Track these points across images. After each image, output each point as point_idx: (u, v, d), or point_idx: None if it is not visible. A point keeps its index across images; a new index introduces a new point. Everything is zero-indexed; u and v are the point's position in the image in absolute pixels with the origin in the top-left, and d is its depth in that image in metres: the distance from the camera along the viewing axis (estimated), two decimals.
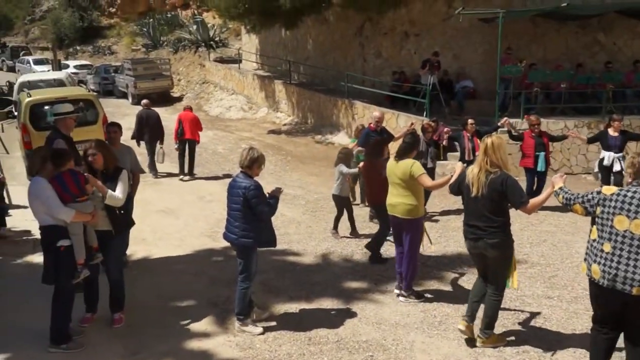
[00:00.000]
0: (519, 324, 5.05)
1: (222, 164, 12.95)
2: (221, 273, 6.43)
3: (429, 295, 5.64)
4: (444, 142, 8.86)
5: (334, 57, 17.56)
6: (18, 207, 9.21)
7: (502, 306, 4.70)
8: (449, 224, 8.16)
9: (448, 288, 5.90)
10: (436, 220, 8.35)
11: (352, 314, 5.28)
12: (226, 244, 7.32)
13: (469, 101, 13.87)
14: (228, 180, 10.93)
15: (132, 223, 5.41)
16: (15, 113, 14.13)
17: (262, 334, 4.87)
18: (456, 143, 8.85)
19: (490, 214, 4.36)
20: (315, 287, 5.94)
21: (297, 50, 19.59)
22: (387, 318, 5.18)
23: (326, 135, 15.44)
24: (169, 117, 19.14)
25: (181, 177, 11.60)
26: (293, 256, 6.95)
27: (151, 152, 11.69)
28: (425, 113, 12.41)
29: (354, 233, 7.63)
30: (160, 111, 20.95)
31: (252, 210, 4.72)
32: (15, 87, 16.21)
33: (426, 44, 15.07)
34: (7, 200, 9.02)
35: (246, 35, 23.04)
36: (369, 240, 6.88)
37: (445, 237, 7.56)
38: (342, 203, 7.67)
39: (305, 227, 8.19)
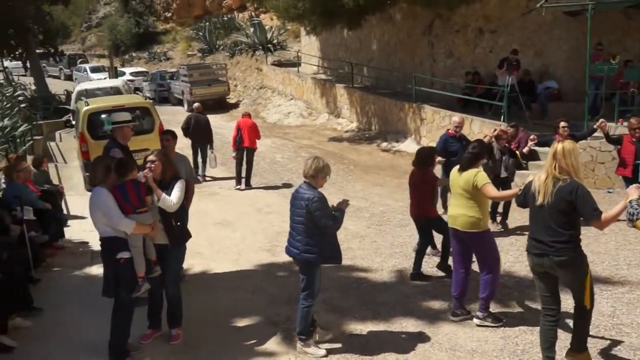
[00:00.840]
0: (615, 356, 4.81)
1: (280, 173, 13.16)
2: (281, 290, 6.52)
3: (504, 319, 5.47)
4: (525, 150, 8.61)
5: (400, 57, 17.51)
6: (76, 217, 9.73)
7: (594, 334, 4.51)
8: None
9: (531, 313, 5.70)
10: (518, 238, 8.13)
11: (424, 338, 5.21)
12: (286, 259, 7.44)
13: (553, 104, 13.42)
14: (287, 191, 11.28)
15: (188, 236, 5.59)
16: (73, 122, 14.99)
17: (326, 356, 4.89)
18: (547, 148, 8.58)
19: (557, 227, 4.20)
20: (382, 307, 5.91)
21: (360, 52, 19.67)
22: (462, 344, 5.07)
23: (392, 143, 15.39)
24: (225, 125, 19.71)
25: (238, 186, 11.93)
26: (358, 273, 6.95)
27: (196, 156, 12.46)
28: (502, 117, 12.14)
29: (433, 246, 7.37)
30: (216, 118, 21.69)
31: (315, 224, 4.77)
32: (73, 96, 17.17)
33: (503, 41, 14.74)
34: (65, 211, 9.51)
35: (306, 37, 23.35)
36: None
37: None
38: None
39: (370, 241, 8.18)
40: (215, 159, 12.38)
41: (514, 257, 7.21)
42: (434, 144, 9.60)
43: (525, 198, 4.49)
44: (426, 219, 6.55)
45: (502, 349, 4.95)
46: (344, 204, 4.96)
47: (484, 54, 15.19)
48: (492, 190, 5.26)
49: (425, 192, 6.48)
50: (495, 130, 8.68)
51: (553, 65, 14.32)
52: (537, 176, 4.38)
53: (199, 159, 12.76)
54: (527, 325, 5.32)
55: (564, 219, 4.17)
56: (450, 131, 8.53)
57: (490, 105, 13.17)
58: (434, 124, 14.08)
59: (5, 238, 6.35)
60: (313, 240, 4.81)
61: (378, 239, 8.31)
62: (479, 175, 5.22)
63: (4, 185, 8.15)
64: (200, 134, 12.56)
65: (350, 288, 6.49)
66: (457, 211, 5.40)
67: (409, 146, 14.56)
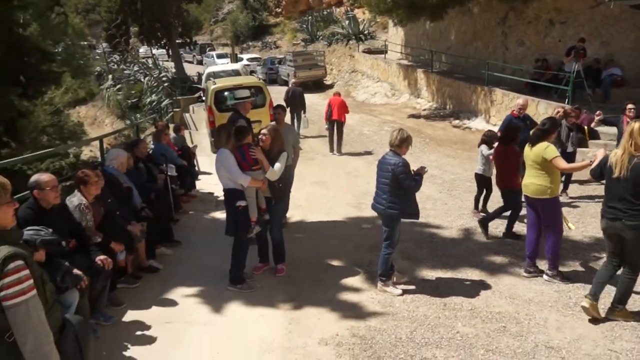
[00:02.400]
0: None
1: (367, 144, 13.08)
2: (365, 239, 6.56)
3: (554, 280, 5.18)
4: (592, 125, 8.03)
5: (475, 46, 16.64)
6: (204, 173, 10.25)
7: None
8: (588, 209, 7.41)
9: (584, 272, 5.40)
10: (575, 206, 7.64)
11: (486, 287, 5.08)
12: (370, 214, 7.47)
13: (616, 89, 12.29)
14: (371, 158, 11.23)
15: (288, 192, 5.70)
16: (203, 98, 15.65)
17: (401, 295, 4.91)
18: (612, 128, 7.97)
19: (631, 197, 3.97)
20: (450, 259, 5.81)
21: (439, 41, 18.89)
22: (521, 294, 4.90)
23: (464, 121, 14.80)
24: (322, 102, 19.74)
25: (332, 153, 12.10)
26: (430, 229, 6.85)
27: (293, 120, 13.24)
28: (567, 100, 11.29)
29: (485, 212, 7.20)
30: (314, 96, 21.77)
31: (399, 185, 4.74)
32: (203, 77, 17.87)
33: (572, 31, 13.58)
34: (196, 168, 10.04)
35: (393, 28, 22.73)
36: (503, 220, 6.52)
37: (583, 222, 6.88)
38: (485, 183, 7.24)
39: (442, 204, 8.00)
40: (307, 121, 13.21)
41: (571, 221, 6.80)
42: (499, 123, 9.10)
43: (602, 171, 4.25)
44: (508, 190, 6.25)
45: (557, 301, 4.74)
46: (422, 169, 4.89)
47: (553, 43, 14.10)
48: (561, 163, 4.95)
49: (508, 166, 6.16)
50: (559, 110, 8.13)
51: (618, 54, 13.08)
52: (613, 152, 4.16)
53: (295, 122, 13.34)
54: (580, 283, 5.05)
55: (638, 191, 3.95)
56: (514, 112, 8.04)
57: (556, 90, 12.27)
58: (502, 105, 13.36)
59: (154, 184, 6.82)
60: (396, 198, 4.79)
61: (449, 201, 8.12)
62: (548, 149, 4.93)
63: (152, 146, 8.68)
64: (296, 102, 13.32)
65: (423, 241, 6.42)
66: (528, 180, 5.14)
67: (479, 124, 13.97)
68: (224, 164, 4.92)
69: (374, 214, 5.34)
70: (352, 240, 6.58)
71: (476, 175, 7.29)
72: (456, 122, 14.93)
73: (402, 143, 4.80)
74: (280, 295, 5.00)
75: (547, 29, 14.21)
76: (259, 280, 5.32)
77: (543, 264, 5.25)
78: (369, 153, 11.99)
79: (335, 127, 12.02)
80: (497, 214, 6.44)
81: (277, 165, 5.10)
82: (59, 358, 2.18)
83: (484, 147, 7.05)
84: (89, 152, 16.92)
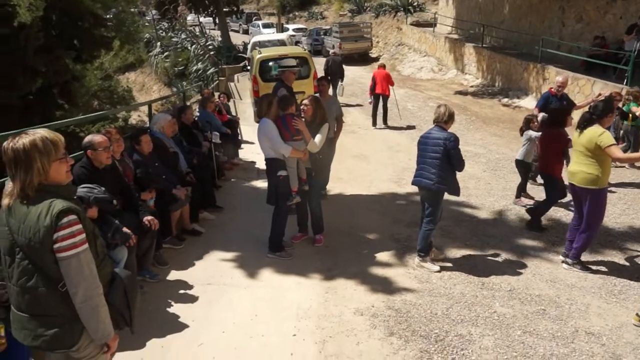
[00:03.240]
0: None
1: (410, 119, 12.85)
2: (403, 214, 6.52)
3: (600, 268, 5.01)
4: (638, 113, 7.56)
5: (530, 20, 15.88)
6: (247, 142, 10.37)
7: None
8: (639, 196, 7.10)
9: (630, 260, 5.20)
10: (626, 193, 7.31)
11: (526, 269, 4.98)
12: (409, 189, 7.40)
13: None
14: (414, 134, 11.05)
15: (328, 164, 5.69)
16: (248, 67, 15.72)
17: (439, 272, 4.88)
18: None
19: None
20: (490, 239, 5.70)
21: (492, 14, 18.13)
22: (563, 278, 4.78)
23: (513, 99, 14.27)
24: (366, 75, 19.48)
25: (374, 127, 11.99)
26: (470, 209, 6.72)
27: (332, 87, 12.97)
28: (626, 81, 10.66)
29: (526, 196, 6.90)
30: (359, 69, 21.51)
31: (449, 160, 4.67)
32: (249, 46, 17.90)
33: (635, 8, 12.74)
34: (240, 137, 10.17)
35: (443, 0, 21.97)
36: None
37: (634, 209, 6.59)
38: (526, 169, 6.89)
39: (485, 183, 7.82)
40: (342, 89, 13.27)
41: (620, 209, 6.53)
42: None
43: None
44: (548, 175, 5.86)
45: (601, 287, 4.59)
46: None
47: (614, 20, 13.27)
48: (617, 152, 4.52)
49: (552, 150, 5.73)
50: (599, 94, 7.65)
51: None
52: None
53: (332, 91, 13.32)
54: (626, 270, 4.87)
55: None
56: (552, 90, 7.60)
57: (614, 69, 11.61)
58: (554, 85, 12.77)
59: (199, 151, 6.96)
60: (445, 174, 4.72)
61: (492, 181, 7.92)
62: (603, 135, 4.52)
63: (197, 113, 8.82)
64: (335, 71, 13.45)
65: (463, 220, 6.32)
66: (576, 168, 4.76)
67: (529, 103, 13.41)
68: (266, 133, 4.95)
69: (414, 189, 5.28)
70: (391, 214, 6.55)
71: (517, 161, 6.91)
72: (505, 100, 14.42)
73: (449, 118, 4.75)
74: (317, 265, 5.07)
75: (608, 5, 13.39)
76: (297, 249, 5.40)
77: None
78: (412, 128, 11.80)
79: (379, 101, 11.92)
80: (546, 207, 6.04)
81: (318, 137, 5.09)
82: (108, 310, 2.28)
83: (531, 131, 6.66)
84: (137, 117, 17.40)
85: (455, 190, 4.86)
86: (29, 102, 9.26)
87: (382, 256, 5.29)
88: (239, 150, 9.45)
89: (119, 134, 4.85)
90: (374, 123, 12.04)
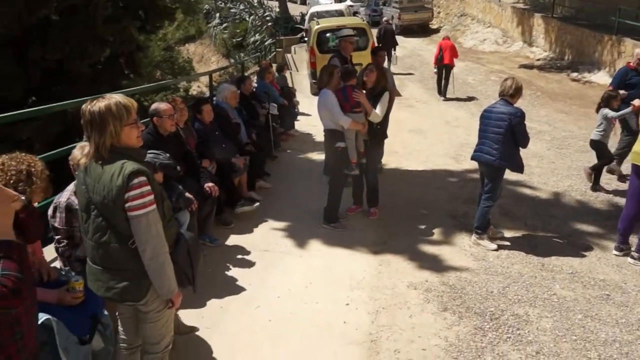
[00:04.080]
0: None
1: (470, 93, 12.42)
2: (460, 191, 6.38)
3: None
4: None
5: None
6: (303, 114, 10.42)
7: None
8: None
9: None
10: None
11: (590, 252, 4.76)
12: (468, 166, 7.21)
13: None
14: (474, 108, 10.69)
15: (385, 137, 5.63)
16: (305, 38, 15.64)
17: (496, 250, 4.76)
18: None
19: None
20: (552, 220, 5.49)
21: None
22: (631, 263, 4.54)
23: (583, 73, 13.41)
24: (425, 47, 18.96)
25: (439, 96, 12.02)
26: (532, 188, 6.47)
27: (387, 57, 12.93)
28: None
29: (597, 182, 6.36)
30: (417, 41, 20.93)
31: (513, 136, 4.49)
32: (306, 17, 17.77)
33: None
34: (296, 108, 10.22)
35: None
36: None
37: None
38: (602, 151, 6.30)
39: (548, 162, 7.49)
40: (396, 58, 13.52)
41: None
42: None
43: None
44: None
45: None
46: None
47: None
48: None
49: None
50: None
51: None
52: None
53: (386, 61, 13.28)
54: None
55: None
56: (630, 64, 6.99)
57: None
58: (631, 58, 11.86)
59: (256, 121, 7.07)
60: (507, 150, 4.56)
61: (556, 160, 7.57)
62: None
63: (255, 84, 8.91)
64: (388, 40, 13.47)
65: (524, 199, 6.10)
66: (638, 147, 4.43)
67: (601, 78, 12.57)
68: (326, 104, 4.94)
69: (473, 166, 5.15)
70: (447, 190, 6.42)
71: (592, 142, 6.36)
72: (574, 74, 13.60)
73: (516, 92, 4.55)
74: (371, 237, 5.08)
75: None
76: (351, 222, 5.42)
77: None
78: (471, 103, 11.42)
79: (444, 72, 11.92)
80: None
81: (379, 107, 5.03)
82: (173, 268, 2.38)
83: (607, 109, 6.12)
84: (196, 87, 17.84)
85: (518, 167, 4.69)
86: (97, 71, 9.70)
87: (437, 232, 5.22)
88: (295, 122, 9.50)
89: (183, 103, 5.00)
90: (440, 92, 12.08)
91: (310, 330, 3.54)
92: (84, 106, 2.27)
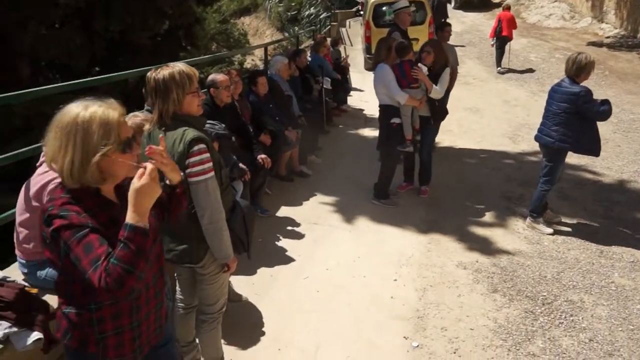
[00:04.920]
0: None
1: (531, 71, 11.88)
2: (517, 172, 6.18)
3: None
4: None
5: None
6: (356, 89, 10.32)
7: None
8: None
9: None
10: None
11: None
12: (527, 147, 6.97)
13: None
14: (535, 87, 10.25)
15: (445, 113, 5.51)
16: (361, 12, 15.38)
17: (552, 234, 4.61)
18: None
19: None
20: (615, 206, 5.23)
21: None
22: None
23: None
24: (485, 22, 18.19)
25: (498, 68, 11.92)
26: (595, 171, 6.18)
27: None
28: None
29: None
30: (477, 16, 20.09)
31: (578, 116, 4.27)
32: None
33: None
34: (349, 83, 10.13)
35: None
36: None
37: None
38: None
39: (613, 145, 7.10)
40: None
41: None
42: None
43: None
44: None
45: None
46: (608, 101, 4.29)
47: None
48: None
49: None
50: None
51: None
52: None
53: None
54: None
55: None
56: None
57: None
58: None
59: (308, 96, 7.08)
60: (570, 131, 4.33)
61: (622, 144, 7.16)
62: None
63: (309, 58, 8.88)
64: (439, 13, 13.08)
65: (585, 183, 5.84)
66: None
67: None
68: (383, 79, 4.86)
69: (531, 147, 4.98)
70: (503, 171, 6.24)
71: None
72: None
73: (581, 71, 4.27)
74: (421, 216, 5.03)
75: None
76: (401, 199, 5.38)
77: None
78: (533, 81, 10.93)
79: (501, 44, 11.82)
80: None
81: (441, 83, 4.90)
82: (229, 234, 2.46)
83: None
84: (250, 61, 18.00)
85: (591, 150, 4.41)
86: (157, 43, 9.97)
87: (491, 213, 5.10)
88: (348, 97, 9.44)
89: (238, 75, 5.07)
90: (498, 64, 11.95)
91: (357, 303, 3.58)
92: (149, 74, 2.35)
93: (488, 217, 5.03)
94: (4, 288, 2.40)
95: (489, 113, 8.92)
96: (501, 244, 4.50)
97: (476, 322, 3.43)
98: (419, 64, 4.93)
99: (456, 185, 5.78)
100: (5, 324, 2.30)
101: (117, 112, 1.59)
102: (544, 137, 4.53)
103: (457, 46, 13.92)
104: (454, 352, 3.14)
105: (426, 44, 5.06)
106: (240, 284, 3.69)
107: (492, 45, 12.03)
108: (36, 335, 2.33)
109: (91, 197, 1.57)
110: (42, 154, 2.68)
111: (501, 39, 11.64)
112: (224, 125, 4.09)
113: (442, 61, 4.97)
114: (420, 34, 10.62)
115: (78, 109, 1.55)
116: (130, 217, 1.47)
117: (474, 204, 5.30)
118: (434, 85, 4.88)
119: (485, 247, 4.44)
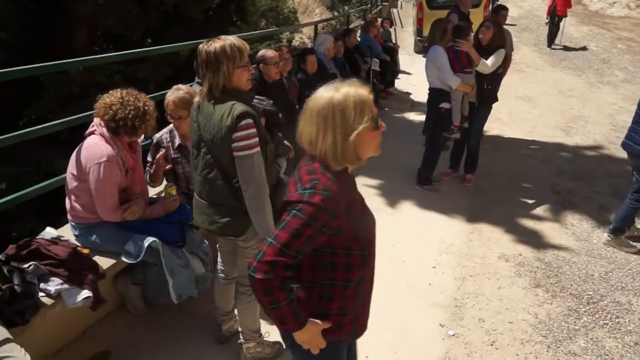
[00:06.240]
0: None
1: (590, 61, 11.30)
2: (568, 166, 5.94)
3: None
4: None
5: None
6: (404, 72, 10.12)
7: None
8: None
9: None
10: None
11: None
12: (579, 140, 6.72)
13: None
14: (594, 79, 9.74)
15: (494, 100, 5.31)
16: None
17: (637, 253, 4.12)
18: None
19: None
20: None
21: None
22: None
23: None
24: (543, 8, 17.37)
25: (549, 47, 12.07)
26: None
27: None
28: None
29: None
30: (537, 1, 19.20)
31: None
32: None
33: None
34: (397, 66, 9.94)
35: None
36: None
37: None
38: None
39: None
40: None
41: None
42: None
43: None
44: None
45: None
46: None
47: None
48: None
49: None
50: None
51: None
52: None
53: None
54: None
55: None
56: None
57: None
58: None
59: (356, 76, 6.98)
60: None
61: None
62: None
63: (359, 38, 8.75)
64: None
65: None
66: None
67: None
68: (435, 61, 4.71)
69: (585, 140, 4.77)
70: (553, 164, 6.01)
71: None
72: None
73: None
74: (465, 204, 4.92)
75: None
76: (445, 186, 5.27)
77: None
78: (590, 72, 10.39)
79: (555, 22, 11.83)
80: None
81: (492, 59, 4.69)
82: (271, 210, 2.46)
83: None
84: (299, 39, 17.93)
85: None
86: (208, 17, 10.01)
87: (537, 206, 4.93)
88: (395, 80, 9.27)
89: (289, 52, 5.04)
90: (549, 44, 11.95)
91: (395, 288, 3.56)
92: (200, 46, 2.35)
93: (534, 210, 4.86)
94: (58, 246, 2.51)
95: (542, 103, 8.57)
96: (547, 239, 4.35)
97: (516, 315, 3.35)
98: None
99: (503, 175, 5.61)
100: (58, 280, 2.41)
101: (366, 90, 1.61)
102: (633, 146, 3.89)
103: (511, 26, 13.45)
104: (491, 344, 3.08)
105: (487, 21, 4.86)
106: None
107: (546, 23, 12.00)
108: (86, 293, 2.43)
109: (344, 177, 1.62)
110: (92, 124, 2.76)
111: (555, 17, 11.61)
112: (271, 101, 4.10)
113: (499, 42, 4.76)
114: (475, 17, 10.19)
115: (330, 92, 1.58)
116: None
117: (520, 196, 5.13)
118: (482, 59, 4.66)
119: (530, 240, 4.30)
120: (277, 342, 2.89)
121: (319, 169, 1.59)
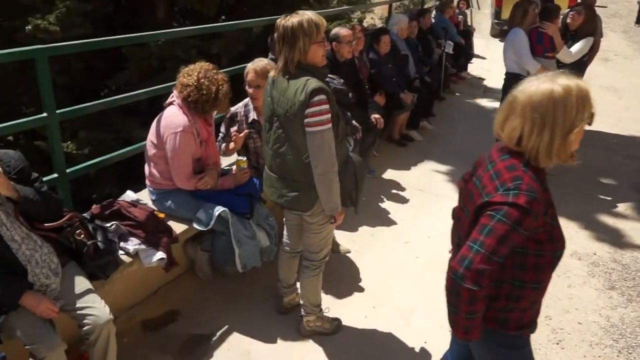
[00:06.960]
0: None
1: None
2: None
3: None
4: None
5: None
6: (477, 57, 9.75)
7: None
8: None
9: None
10: None
11: None
12: None
13: None
14: None
15: None
16: None
17: None
18: None
19: None
20: None
21: None
22: None
23: None
24: None
25: (637, 24, 11.53)
26: None
27: None
28: None
29: None
30: None
31: None
32: None
33: None
34: (471, 50, 9.56)
35: None
36: None
37: None
38: None
39: None
40: None
41: None
42: None
43: None
44: None
45: None
46: None
47: None
48: None
49: None
50: None
51: None
52: None
53: None
54: None
55: None
56: None
57: None
58: None
59: (428, 59, 6.81)
60: None
61: None
62: None
63: (433, 20, 8.49)
64: None
65: None
66: None
67: None
68: (514, 44, 4.49)
69: None
70: (638, 160, 5.62)
71: None
72: None
73: None
74: None
75: None
76: None
77: None
78: None
79: None
80: None
81: (577, 45, 4.40)
82: (339, 187, 2.47)
83: None
84: (370, 19, 17.65)
85: None
86: None
87: (618, 204, 4.64)
88: (469, 64, 8.96)
89: (362, 32, 4.99)
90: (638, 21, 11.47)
91: None
92: (278, 20, 2.37)
93: (614, 208, 4.58)
94: (137, 209, 2.67)
95: (630, 94, 7.99)
96: (626, 239, 4.09)
97: (586, 317, 3.19)
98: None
99: (581, 169, 5.29)
100: (136, 240, 2.57)
101: (585, 82, 1.50)
102: None
103: (601, 8, 12.57)
104: (557, 343, 2.97)
105: (580, 4, 4.55)
106: (342, 239, 3.76)
107: (638, 2, 11.34)
108: (160, 254, 2.57)
109: (542, 175, 1.54)
110: (171, 95, 2.88)
111: None
112: (342, 80, 4.09)
113: (589, 29, 4.45)
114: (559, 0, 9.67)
115: (547, 84, 1.46)
116: None
117: (599, 192, 4.85)
118: (565, 47, 4.37)
119: (607, 239, 4.06)
120: (337, 319, 2.94)
121: (519, 166, 1.49)
